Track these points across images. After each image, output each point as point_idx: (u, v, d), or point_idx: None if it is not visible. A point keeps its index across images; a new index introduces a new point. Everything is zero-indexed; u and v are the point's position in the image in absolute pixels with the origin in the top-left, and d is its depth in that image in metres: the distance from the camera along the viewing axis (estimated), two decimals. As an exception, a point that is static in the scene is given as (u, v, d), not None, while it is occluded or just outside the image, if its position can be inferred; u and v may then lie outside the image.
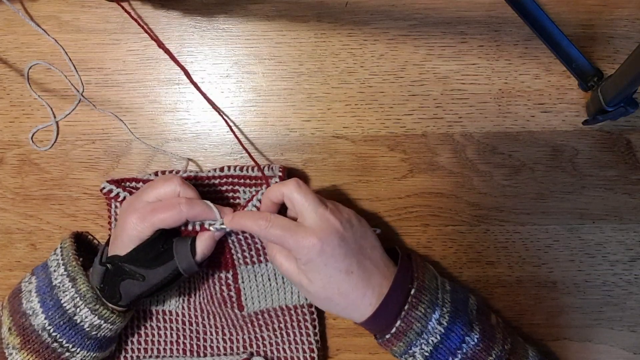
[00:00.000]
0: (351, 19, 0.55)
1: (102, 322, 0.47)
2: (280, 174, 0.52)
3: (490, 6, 0.55)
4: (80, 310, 0.47)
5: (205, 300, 0.53)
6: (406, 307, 0.45)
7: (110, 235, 0.50)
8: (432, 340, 0.45)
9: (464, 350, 0.45)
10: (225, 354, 0.53)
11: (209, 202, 0.48)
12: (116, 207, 0.53)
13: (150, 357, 0.53)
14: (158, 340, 0.53)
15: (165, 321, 0.54)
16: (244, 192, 0.53)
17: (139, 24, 0.52)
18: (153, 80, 0.56)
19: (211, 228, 0.48)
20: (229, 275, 0.52)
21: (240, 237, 0.50)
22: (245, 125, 0.55)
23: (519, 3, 0.50)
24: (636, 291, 0.55)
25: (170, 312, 0.54)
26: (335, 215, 0.46)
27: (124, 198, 0.52)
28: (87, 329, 0.47)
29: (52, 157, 0.56)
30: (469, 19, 0.55)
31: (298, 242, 0.44)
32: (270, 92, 0.55)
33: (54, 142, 0.56)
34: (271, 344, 0.52)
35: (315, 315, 0.53)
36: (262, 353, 0.52)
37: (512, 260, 0.55)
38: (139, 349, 0.53)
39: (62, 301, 0.47)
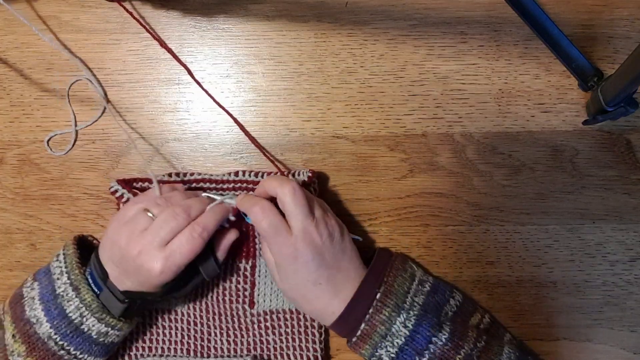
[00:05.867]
0: (351, 19, 0.55)
1: (110, 329, 0.47)
2: (307, 179, 0.51)
3: (490, 6, 0.55)
4: (87, 319, 0.47)
5: (215, 296, 0.53)
6: (370, 311, 0.46)
7: (98, 248, 0.49)
8: (396, 342, 0.46)
9: (432, 350, 0.46)
10: (229, 356, 0.53)
11: (211, 196, 0.49)
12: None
13: (154, 355, 0.53)
14: (163, 340, 0.53)
15: (170, 320, 0.54)
16: None
17: (140, 23, 0.52)
18: (153, 80, 0.56)
19: (226, 202, 0.49)
20: (248, 267, 0.53)
21: None
22: (246, 125, 0.55)
23: (519, 3, 0.50)
24: (636, 291, 0.55)
25: (175, 311, 0.54)
26: (319, 229, 0.46)
27: (127, 200, 0.52)
28: (95, 337, 0.47)
29: (52, 157, 0.56)
30: (469, 19, 0.55)
31: (276, 245, 0.46)
32: (270, 92, 0.55)
33: (71, 148, 0.56)
34: (275, 348, 0.52)
35: None
36: (265, 357, 0.52)
37: (512, 260, 0.55)
38: (143, 347, 0.53)
39: (67, 311, 0.47)
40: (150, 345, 0.53)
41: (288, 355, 0.52)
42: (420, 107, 0.55)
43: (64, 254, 0.49)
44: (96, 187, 0.56)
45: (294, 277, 0.46)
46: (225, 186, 0.53)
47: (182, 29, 0.55)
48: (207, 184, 0.53)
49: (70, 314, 0.46)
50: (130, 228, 0.47)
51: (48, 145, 0.56)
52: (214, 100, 0.54)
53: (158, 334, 0.53)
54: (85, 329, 0.47)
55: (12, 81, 0.56)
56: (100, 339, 0.47)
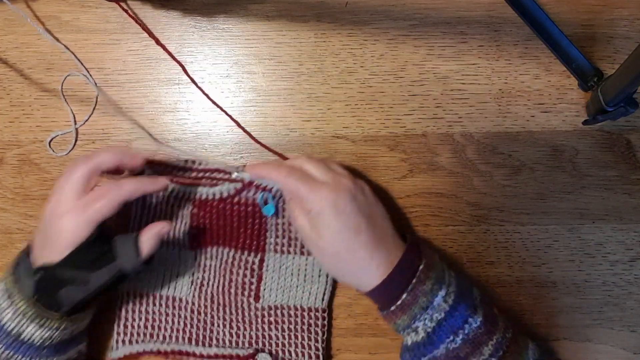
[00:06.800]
0: (351, 19, 0.55)
1: (54, 332, 0.45)
2: None
3: (490, 6, 0.55)
4: (26, 328, 0.44)
5: (221, 287, 0.53)
6: (414, 281, 0.45)
7: (29, 243, 0.47)
8: (436, 317, 0.45)
9: (466, 331, 0.45)
10: (230, 347, 0.53)
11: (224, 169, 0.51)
12: None
13: (155, 342, 0.53)
14: (165, 327, 0.53)
15: (174, 308, 0.54)
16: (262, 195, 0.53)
17: (137, 22, 0.52)
18: (153, 80, 0.56)
19: (233, 175, 0.51)
20: (256, 260, 0.53)
21: (279, 221, 0.52)
22: (246, 125, 0.55)
23: (519, 3, 0.50)
24: (636, 291, 0.55)
25: (180, 299, 0.54)
26: (349, 179, 0.48)
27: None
28: (39, 343, 0.45)
29: (52, 157, 0.56)
30: (469, 19, 0.55)
31: (313, 192, 0.46)
32: (270, 92, 0.55)
33: (72, 148, 0.56)
34: (277, 344, 0.53)
35: (326, 322, 0.53)
36: (266, 351, 0.53)
37: (512, 260, 0.55)
38: (144, 334, 0.53)
39: (2, 322, 0.44)
40: (152, 331, 0.53)
41: (289, 351, 0.52)
42: (420, 107, 0.55)
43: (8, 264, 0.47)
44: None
45: (335, 224, 0.45)
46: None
47: (182, 29, 0.55)
48: (222, 174, 0.53)
49: (6, 326, 0.44)
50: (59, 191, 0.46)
51: (50, 146, 0.56)
52: (210, 100, 0.54)
53: (160, 321, 0.53)
54: (27, 338, 0.44)
55: (12, 81, 0.56)
56: (47, 343, 0.45)
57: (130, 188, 0.46)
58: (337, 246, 0.46)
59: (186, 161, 0.54)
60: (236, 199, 0.52)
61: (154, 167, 0.53)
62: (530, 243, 0.55)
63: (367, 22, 0.55)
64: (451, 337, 0.45)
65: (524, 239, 0.55)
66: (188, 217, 0.53)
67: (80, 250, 0.44)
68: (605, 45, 0.55)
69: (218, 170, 0.54)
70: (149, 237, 0.46)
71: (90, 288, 0.44)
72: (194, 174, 0.54)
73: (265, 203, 0.51)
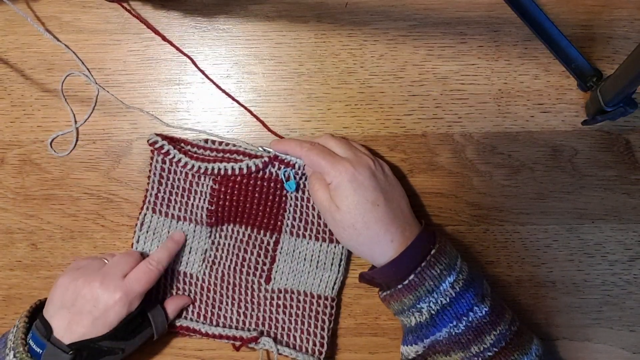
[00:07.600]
0: (351, 19, 0.55)
1: None
2: None
3: (490, 6, 0.55)
4: None
5: (233, 266, 0.54)
6: (423, 264, 0.46)
7: (32, 307, 0.50)
8: (440, 301, 0.46)
9: (470, 319, 0.46)
10: (237, 328, 0.54)
11: (165, 245, 0.53)
12: (157, 162, 0.54)
13: None
14: None
15: (185, 283, 0.54)
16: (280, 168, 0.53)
17: (141, 20, 0.52)
18: (153, 81, 0.56)
19: (258, 151, 0.53)
20: (271, 241, 0.54)
21: (298, 203, 0.53)
22: (246, 125, 0.56)
23: (518, 3, 0.50)
24: (635, 291, 0.55)
25: (191, 275, 0.54)
26: (369, 157, 0.50)
27: (173, 155, 0.53)
28: None
29: (52, 157, 0.56)
30: (469, 19, 0.55)
31: (333, 165, 0.48)
32: (270, 92, 0.56)
33: (73, 148, 0.56)
34: (283, 328, 0.53)
35: (334, 311, 0.53)
36: (272, 334, 0.53)
37: (511, 260, 0.55)
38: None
39: None
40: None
41: (295, 336, 0.53)
42: (420, 107, 0.55)
43: (16, 327, 0.48)
44: (97, 187, 0.56)
45: (353, 197, 0.47)
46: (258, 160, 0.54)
47: (183, 30, 0.56)
48: (241, 157, 0.54)
49: None
50: (87, 270, 0.50)
51: (51, 146, 0.56)
52: (217, 86, 0.54)
53: (171, 294, 0.54)
54: None
55: (13, 81, 0.56)
56: None
57: (164, 263, 0.52)
58: (353, 218, 0.47)
59: (206, 141, 0.54)
60: (260, 174, 0.52)
61: (178, 145, 0.54)
62: (529, 243, 0.55)
63: (367, 22, 0.55)
64: (454, 323, 0.46)
65: (524, 239, 0.55)
66: (207, 193, 0.53)
67: (125, 323, 0.48)
68: (604, 45, 0.55)
69: (237, 152, 0.54)
70: (174, 309, 0.53)
71: (123, 355, 0.49)
72: (214, 154, 0.54)
73: (287, 180, 0.52)
